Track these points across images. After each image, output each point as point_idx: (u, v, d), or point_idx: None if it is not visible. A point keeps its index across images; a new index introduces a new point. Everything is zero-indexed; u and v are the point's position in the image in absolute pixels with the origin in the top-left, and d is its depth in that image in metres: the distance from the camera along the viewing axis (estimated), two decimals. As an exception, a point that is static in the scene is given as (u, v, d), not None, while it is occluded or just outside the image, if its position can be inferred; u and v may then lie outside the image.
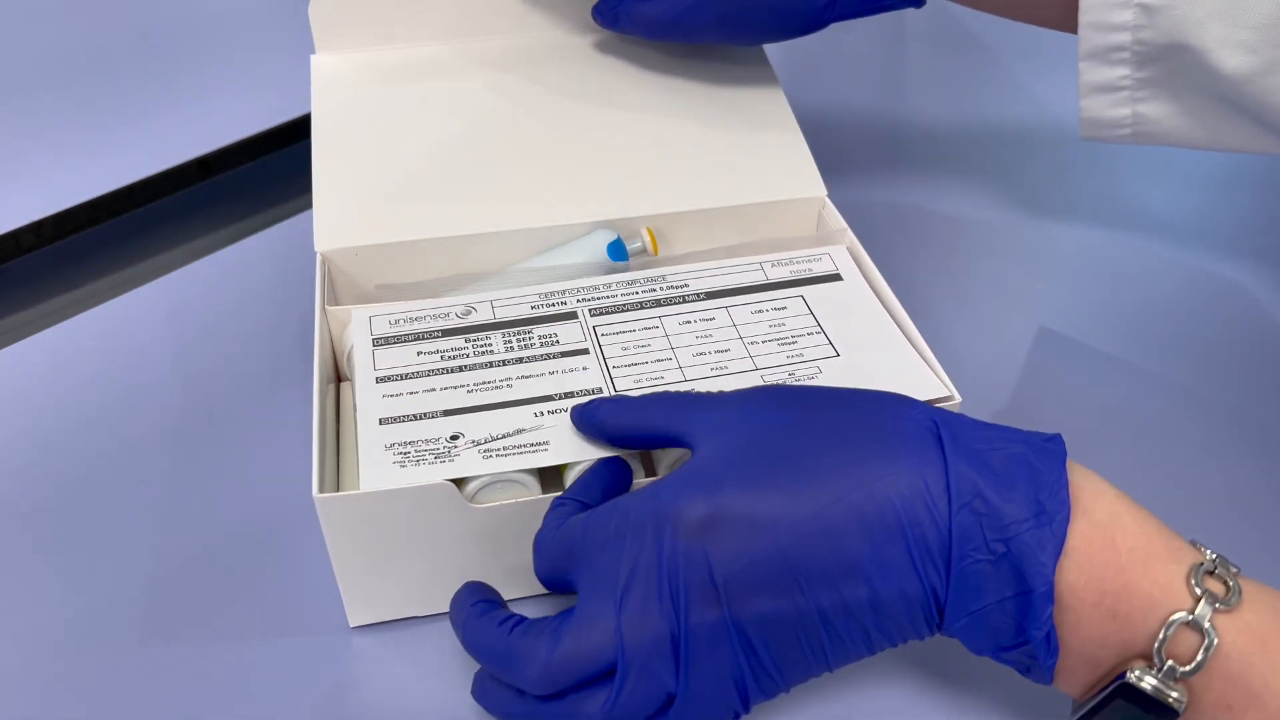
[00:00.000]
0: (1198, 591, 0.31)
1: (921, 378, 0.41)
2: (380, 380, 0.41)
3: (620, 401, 0.38)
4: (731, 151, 0.52)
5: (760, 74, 0.56)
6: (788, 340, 0.43)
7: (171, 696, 0.39)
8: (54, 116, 0.69)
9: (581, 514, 0.35)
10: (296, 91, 0.52)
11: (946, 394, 0.40)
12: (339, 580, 0.39)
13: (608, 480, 0.37)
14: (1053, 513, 0.31)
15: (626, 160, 0.51)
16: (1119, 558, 0.31)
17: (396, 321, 0.44)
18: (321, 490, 0.36)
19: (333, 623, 0.41)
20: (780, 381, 0.41)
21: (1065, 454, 0.33)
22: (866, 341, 0.43)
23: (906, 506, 0.31)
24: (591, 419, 0.38)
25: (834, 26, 0.52)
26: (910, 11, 0.84)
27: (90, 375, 0.52)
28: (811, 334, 0.43)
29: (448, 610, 0.41)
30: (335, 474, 0.41)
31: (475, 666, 0.39)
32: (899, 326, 0.44)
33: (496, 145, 0.51)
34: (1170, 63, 0.46)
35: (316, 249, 0.46)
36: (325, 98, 0.52)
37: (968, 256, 0.60)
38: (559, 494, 0.37)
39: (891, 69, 0.80)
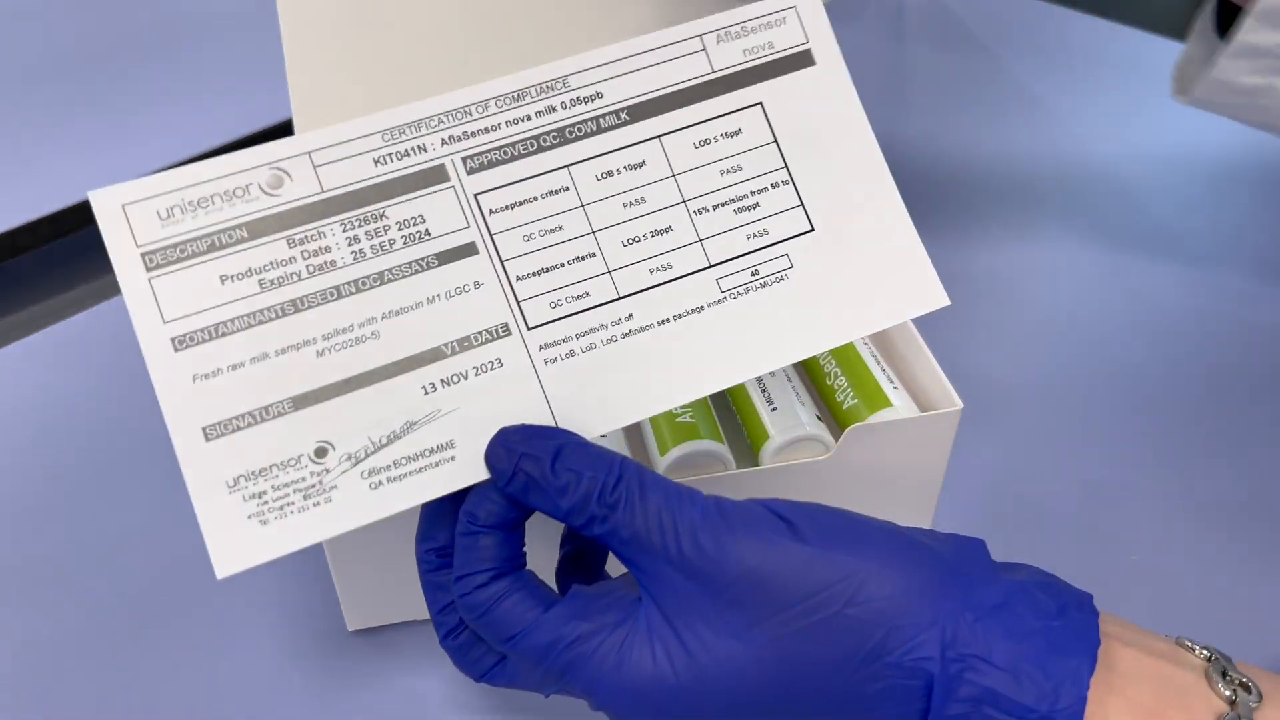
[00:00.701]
0: None
1: (916, 273, 0.35)
2: (180, 345, 0.29)
3: (557, 500, 0.28)
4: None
5: None
6: (747, 204, 0.33)
7: (170, 699, 0.38)
8: (51, 116, 0.69)
9: (514, 618, 0.29)
10: (294, 92, 0.52)
11: (944, 303, 0.35)
12: (337, 585, 0.39)
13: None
14: None
15: (584, 20, 0.47)
16: None
17: (170, 212, 0.30)
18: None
19: (331, 627, 0.41)
20: (742, 287, 0.33)
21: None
22: (850, 198, 0.34)
23: None
24: (524, 495, 0.29)
25: (833, 26, 0.51)
26: (910, 11, 0.84)
27: (87, 375, 0.52)
28: (777, 186, 0.34)
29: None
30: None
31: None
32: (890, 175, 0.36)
33: (471, 30, 0.47)
34: None
35: None
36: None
37: (967, 258, 0.60)
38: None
39: (891, 69, 0.80)
